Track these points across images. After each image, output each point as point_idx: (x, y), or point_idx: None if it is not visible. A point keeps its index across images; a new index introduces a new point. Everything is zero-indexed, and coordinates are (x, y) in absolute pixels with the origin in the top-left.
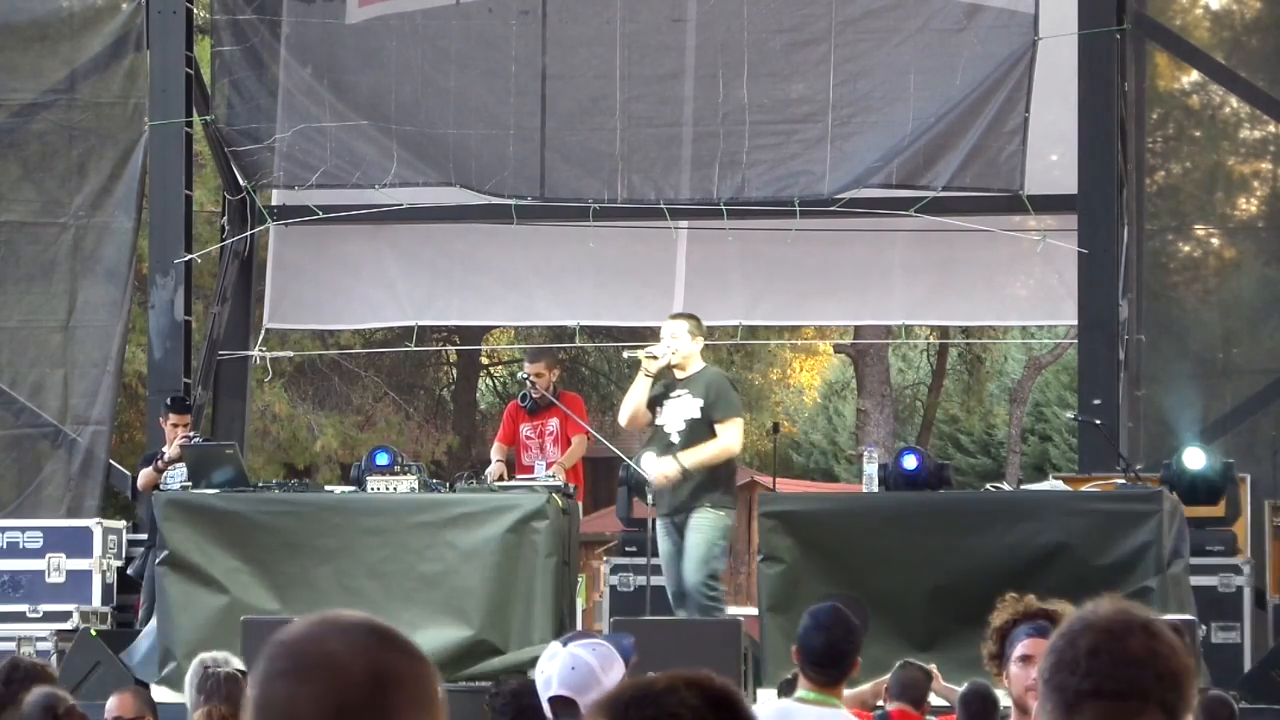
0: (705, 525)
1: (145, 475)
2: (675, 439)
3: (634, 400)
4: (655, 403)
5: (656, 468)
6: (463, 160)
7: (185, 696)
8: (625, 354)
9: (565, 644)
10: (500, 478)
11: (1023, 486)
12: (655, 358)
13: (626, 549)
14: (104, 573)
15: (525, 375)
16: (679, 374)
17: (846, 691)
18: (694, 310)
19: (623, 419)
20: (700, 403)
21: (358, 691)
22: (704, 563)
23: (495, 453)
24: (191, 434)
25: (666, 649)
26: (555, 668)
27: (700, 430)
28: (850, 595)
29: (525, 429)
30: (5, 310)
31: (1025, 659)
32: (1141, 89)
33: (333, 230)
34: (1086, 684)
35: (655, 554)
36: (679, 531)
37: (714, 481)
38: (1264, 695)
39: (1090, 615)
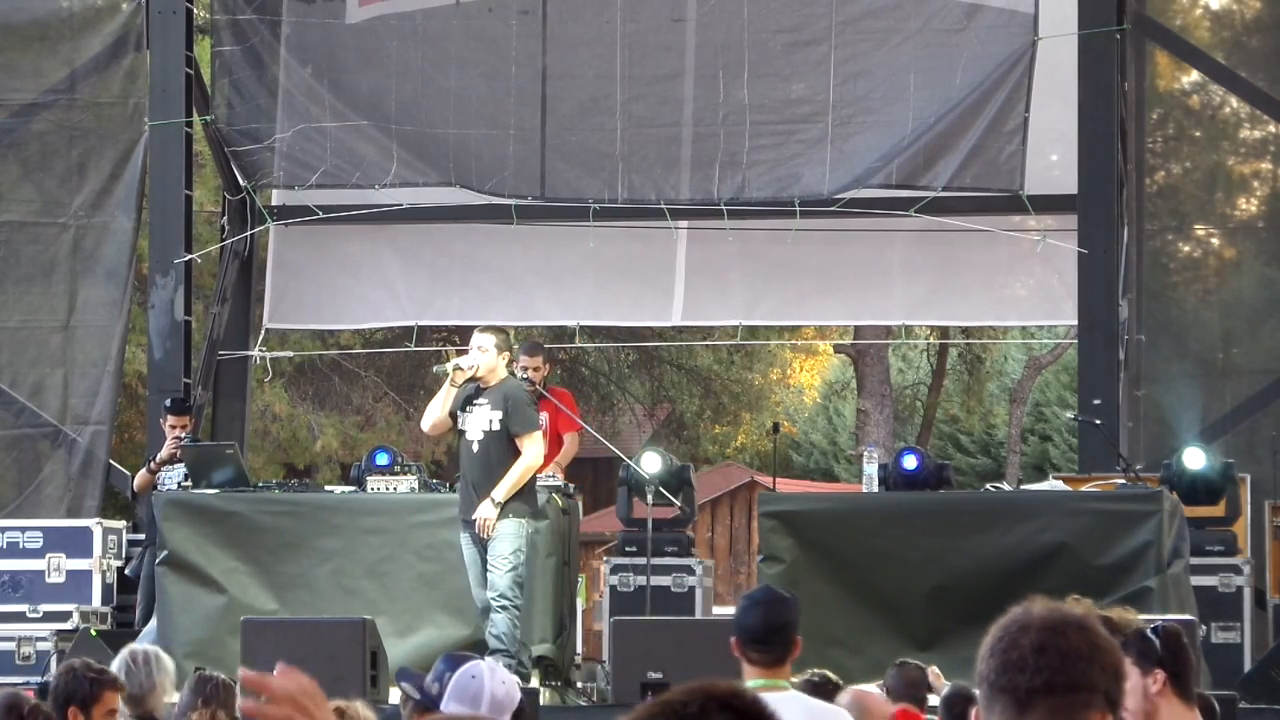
0: (509, 534)
1: (140, 477)
2: (476, 447)
3: (436, 409)
4: (458, 409)
5: (479, 514)
6: (463, 160)
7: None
8: (434, 369)
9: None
10: None
11: (1023, 486)
12: (462, 369)
13: (626, 549)
14: (104, 573)
15: (522, 370)
16: (481, 385)
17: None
18: (694, 310)
19: (425, 426)
20: (499, 414)
21: None
22: (511, 569)
23: None
24: (182, 435)
25: (667, 649)
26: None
27: (498, 441)
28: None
29: None
30: (5, 310)
31: None
32: (1141, 89)
33: (333, 230)
34: (1038, 680)
35: (655, 554)
36: (479, 543)
37: (515, 494)
38: (1264, 695)
39: (1024, 616)
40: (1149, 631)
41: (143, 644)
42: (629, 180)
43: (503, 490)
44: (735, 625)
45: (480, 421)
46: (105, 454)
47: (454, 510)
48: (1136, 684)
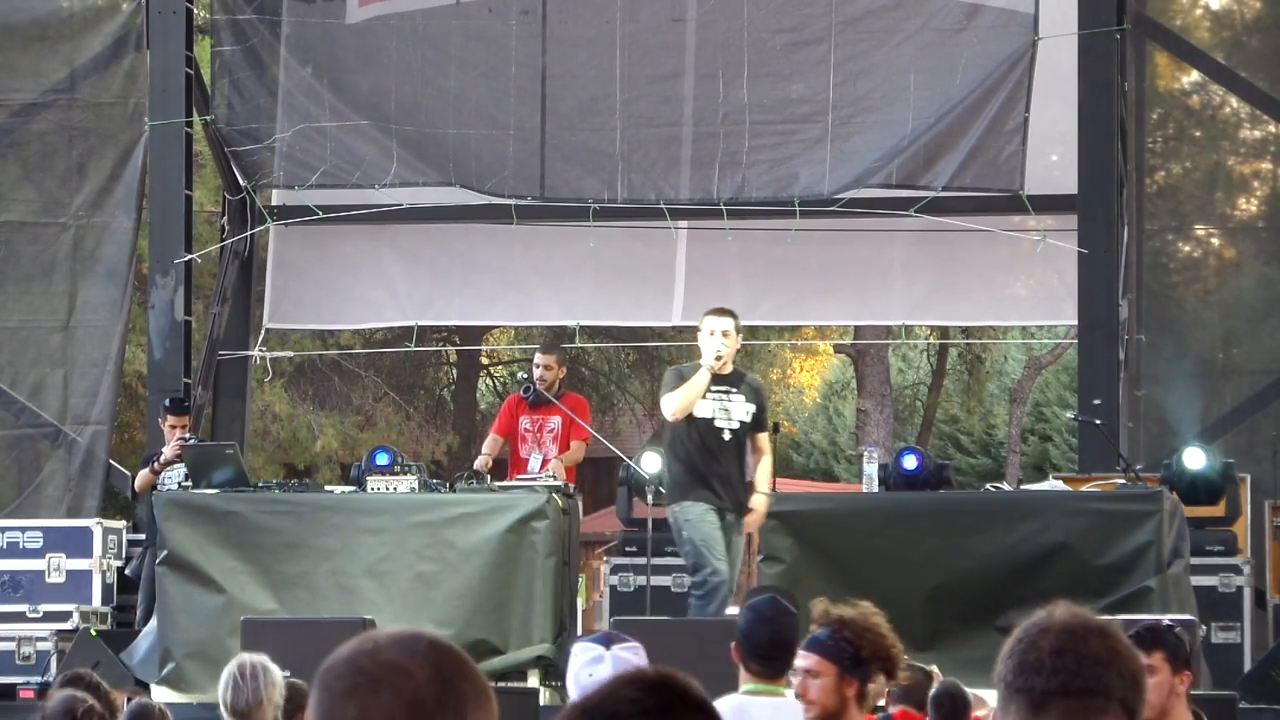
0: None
1: (142, 477)
2: (727, 436)
3: (694, 396)
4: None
5: (763, 508)
6: (463, 160)
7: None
8: (713, 361)
9: (608, 647)
10: (486, 469)
11: (1023, 486)
12: (721, 356)
13: (626, 549)
14: (104, 573)
15: (536, 365)
16: (715, 371)
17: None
18: (694, 310)
19: (677, 412)
20: (753, 408)
21: (427, 690)
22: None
23: (487, 445)
24: (186, 435)
25: (667, 649)
26: (608, 673)
27: (746, 433)
28: (779, 588)
29: (524, 421)
30: (5, 310)
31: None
32: (1141, 89)
33: (333, 230)
34: (1054, 682)
35: (655, 554)
36: (724, 524)
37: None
38: (1264, 695)
39: (1046, 619)
40: (1177, 632)
41: (251, 655)
42: (629, 180)
43: (768, 484)
44: (740, 635)
45: (738, 412)
46: (105, 454)
47: (453, 510)
48: (1164, 681)
